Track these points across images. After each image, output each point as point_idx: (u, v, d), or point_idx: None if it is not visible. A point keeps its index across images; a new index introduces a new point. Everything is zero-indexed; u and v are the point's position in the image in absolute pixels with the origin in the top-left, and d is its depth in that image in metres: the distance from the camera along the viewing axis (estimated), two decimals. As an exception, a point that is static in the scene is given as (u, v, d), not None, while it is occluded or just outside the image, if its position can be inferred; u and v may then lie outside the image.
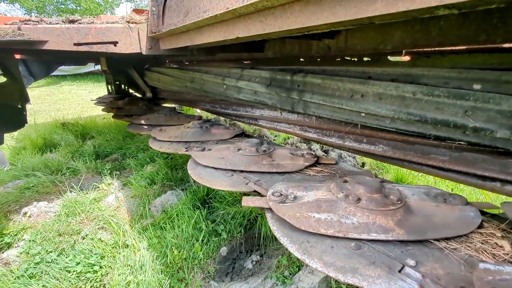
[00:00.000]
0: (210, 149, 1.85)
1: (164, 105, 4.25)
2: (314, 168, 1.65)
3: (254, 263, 2.06)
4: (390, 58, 1.57)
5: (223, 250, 2.06)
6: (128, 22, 1.86)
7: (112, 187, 2.77)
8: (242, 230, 2.18)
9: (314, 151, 3.64)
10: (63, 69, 12.21)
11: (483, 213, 1.12)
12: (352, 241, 0.94)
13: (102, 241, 1.94)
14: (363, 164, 3.53)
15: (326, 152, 3.80)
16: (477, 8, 0.75)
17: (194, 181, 2.79)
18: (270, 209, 1.12)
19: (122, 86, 4.60)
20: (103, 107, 4.21)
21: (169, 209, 2.33)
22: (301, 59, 2.15)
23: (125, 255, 1.79)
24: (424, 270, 0.83)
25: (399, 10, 0.70)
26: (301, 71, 1.89)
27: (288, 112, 2.13)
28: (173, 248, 1.89)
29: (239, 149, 1.76)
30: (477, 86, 1.07)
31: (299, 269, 1.81)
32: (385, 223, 0.97)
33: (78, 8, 21.63)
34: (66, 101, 8.86)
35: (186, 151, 1.96)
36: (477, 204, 1.10)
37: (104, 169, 3.15)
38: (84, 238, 2.02)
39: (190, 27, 1.51)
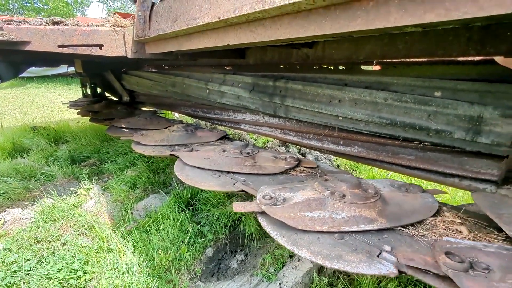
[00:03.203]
0: (198, 150, 1.90)
1: (143, 108, 4.21)
2: (296, 168, 1.75)
3: (239, 262, 2.12)
4: (363, 67, 1.73)
5: (209, 251, 2.10)
6: (114, 25, 1.87)
7: (91, 192, 2.70)
8: (227, 230, 2.23)
9: (293, 153, 3.78)
10: (30, 71, 11.51)
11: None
12: (335, 233, 1.04)
13: (84, 246, 1.90)
14: (338, 166, 3.72)
15: (303, 154, 3.95)
16: (438, 27, 0.90)
17: (178, 184, 2.81)
18: (262, 213, 1.14)
19: (98, 89, 4.48)
20: (78, 110, 4.08)
21: (153, 212, 2.32)
22: (281, 66, 2.27)
23: (111, 259, 1.77)
24: (398, 254, 0.95)
25: (376, 27, 0.82)
26: (282, 77, 2.00)
27: (270, 116, 2.23)
28: (160, 250, 1.90)
29: (224, 151, 1.82)
30: (438, 94, 1.23)
31: (283, 265, 1.90)
32: (369, 214, 1.08)
33: (45, 7, 20.50)
34: (34, 104, 8.37)
35: (172, 153, 1.99)
36: (430, 191, 1.26)
37: (81, 174, 3.05)
38: (64, 245, 1.97)
39: (179, 33, 1.56)
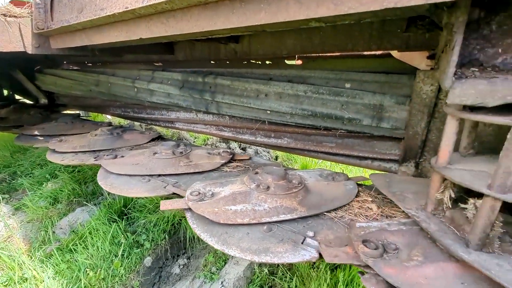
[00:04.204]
0: (123, 156, 1.75)
1: (68, 112, 3.72)
2: (231, 164, 1.74)
3: (181, 267, 2.03)
4: (287, 61, 1.80)
5: (147, 261, 1.97)
6: (5, 15, 1.58)
7: (-2, 214, 2.29)
8: (167, 236, 2.12)
9: (232, 149, 3.78)
10: None
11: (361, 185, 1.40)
12: (264, 225, 1.06)
13: (-12, 280, 1.60)
14: (276, 157, 3.85)
15: (243, 149, 3.99)
16: (337, 23, 0.96)
17: (109, 193, 2.56)
18: (189, 209, 1.14)
19: (4, 91, 3.81)
20: (-22, 118, 3.41)
21: (80, 228, 2.08)
22: (211, 62, 2.22)
23: (24, 289, 1.53)
24: (320, 238, 1.00)
25: (279, 21, 0.84)
26: (211, 73, 1.96)
27: (204, 113, 2.18)
28: (88, 269, 1.71)
29: (155, 153, 1.72)
30: (348, 85, 1.34)
31: (225, 263, 1.89)
32: (290, 204, 1.12)
33: None
34: None
35: (96, 160, 1.80)
36: (355, 178, 1.38)
37: (-15, 194, 2.57)
38: (-40, 282, 1.63)
39: (86, 24, 1.40)
